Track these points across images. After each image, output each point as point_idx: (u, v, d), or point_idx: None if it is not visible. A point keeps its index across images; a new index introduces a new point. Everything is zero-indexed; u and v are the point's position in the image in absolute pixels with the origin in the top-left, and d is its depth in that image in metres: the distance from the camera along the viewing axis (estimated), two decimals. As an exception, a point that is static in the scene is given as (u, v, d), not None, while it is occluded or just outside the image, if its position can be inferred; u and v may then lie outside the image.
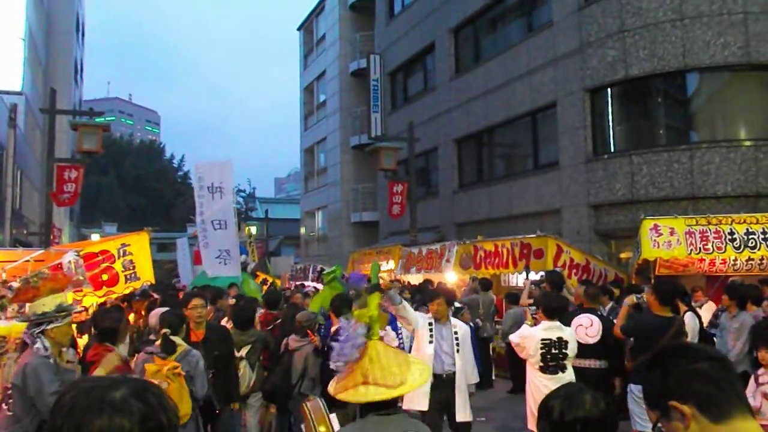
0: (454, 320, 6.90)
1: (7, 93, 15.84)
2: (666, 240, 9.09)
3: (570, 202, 15.02)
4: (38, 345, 4.20)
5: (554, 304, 6.32)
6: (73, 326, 7.86)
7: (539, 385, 6.02)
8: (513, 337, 6.33)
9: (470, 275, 12.13)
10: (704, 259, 9.60)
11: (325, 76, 31.64)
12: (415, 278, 13.86)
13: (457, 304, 9.76)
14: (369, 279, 10.19)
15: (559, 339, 6.00)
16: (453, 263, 12.66)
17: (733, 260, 9.52)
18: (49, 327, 4.27)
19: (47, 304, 4.35)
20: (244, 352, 6.80)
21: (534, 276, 10.86)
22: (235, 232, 12.43)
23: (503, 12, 18.96)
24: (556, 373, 5.98)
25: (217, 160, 12.77)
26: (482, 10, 19.24)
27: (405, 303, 6.38)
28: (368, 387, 2.67)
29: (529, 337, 6.05)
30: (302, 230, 34.94)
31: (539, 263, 10.61)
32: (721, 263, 9.66)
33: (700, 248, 9.07)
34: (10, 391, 5.51)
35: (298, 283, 17.04)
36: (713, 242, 9.01)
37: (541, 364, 5.99)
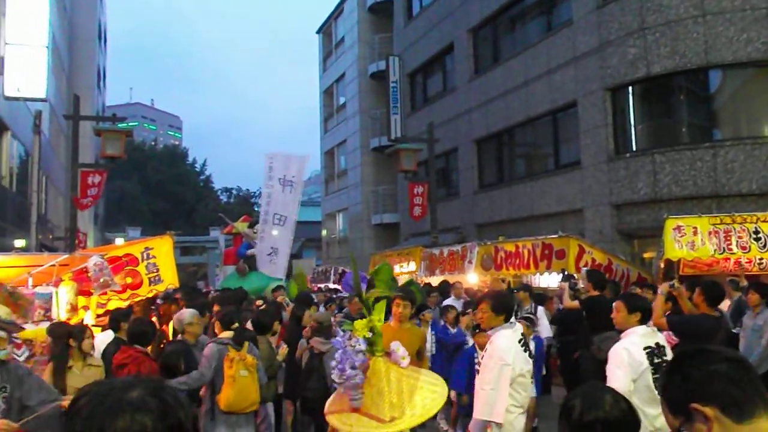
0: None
1: (32, 100, 16.06)
2: (689, 240, 8.99)
3: (592, 202, 14.91)
4: None
5: (646, 305, 4.94)
6: (97, 330, 7.98)
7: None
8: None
9: (495, 277, 12.05)
10: (729, 259, 9.48)
11: (344, 78, 31.74)
12: (437, 280, 13.83)
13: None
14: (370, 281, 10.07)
15: (658, 344, 4.60)
16: (474, 264, 12.62)
17: (759, 260, 9.39)
18: None
19: None
20: None
21: (558, 277, 10.77)
22: (291, 232, 12.19)
23: (522, 11, 18.88)
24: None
25: (294, 153, 12.68)
26: (501, 10, 19.18)
27: None
28: (356, 416, 2.28)
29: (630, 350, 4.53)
30: (323, 232, 35.05)
31: (561, 264, 10.52)
32: (746, 263, 9.54)
33: (724, 248, 8.96)
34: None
35: (320, 285, 17.08)
36: (737, 241, 8.90)
37: (651, 379, 4.40)
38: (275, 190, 11.94)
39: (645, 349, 4.51)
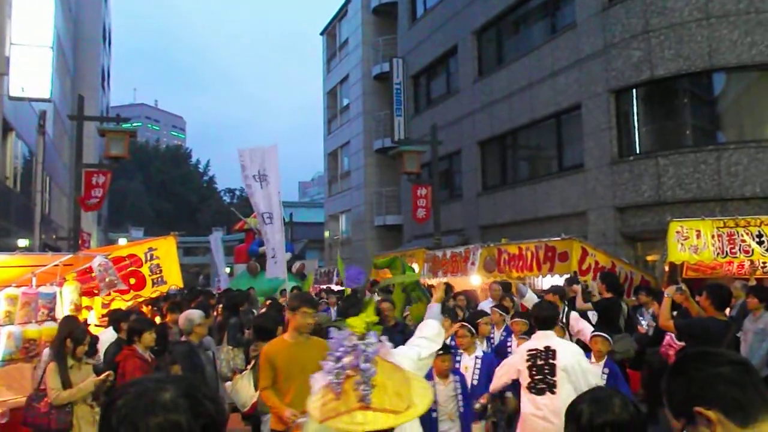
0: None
1: (37, 100, 16.09)
2: (692, 244, 8.99)
3: (595, 205, 14.90)
4: None
5: (545, 313, 5.45)
6: (99, 329, 8.01)
7: (524, 410, 5.14)
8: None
9: (495, 280, 12.04)
10: (732, 262, 9.47)
11: (348, 80, 31.76)
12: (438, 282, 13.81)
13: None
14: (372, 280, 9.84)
15: (547, 348, 5.04)
16: (477, 266, 12.61)
17: (762, 263, 9.38)
18: None
19: None
20: (250, 365, 6.49)
21: (559, 279, 10.75)
22: (281, 228, 11.53)
23: (526, 14, 18.88)
24: (542, 393, 4.97)
25: (261, 145, 11.87)
26: (505, 12, 19.17)
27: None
28: (369, 413, 2.17)
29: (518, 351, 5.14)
30: (326, 234, 35.04)
31: (564, 266, 10.52)
32: (749, 266, 9.53)
33: (726, 251, 8.95)
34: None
35: (323, 286, 17.08)
36: (740, 245, 8.88)
37: (528, 380, 5.04)
38: (255, 189, 11.34)
39: (529, 351, 5.01)
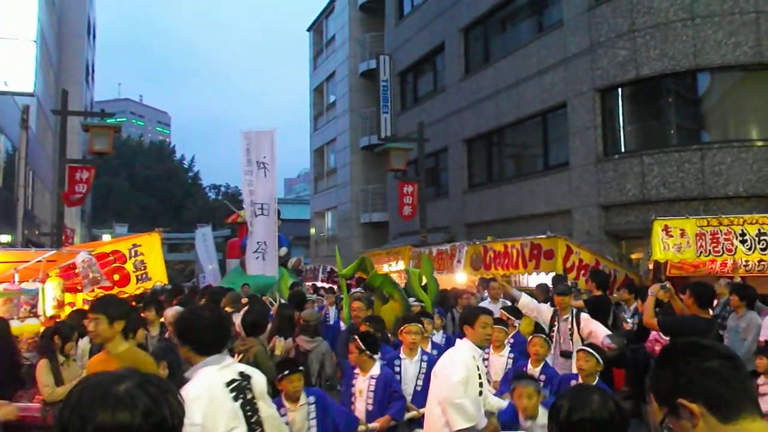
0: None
1: (20, 94, 15.93)
2: (676, 243, 9.06)
3: (580, 203, 14.96)
4: None
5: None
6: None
7: None
8: None
9: (482, 277, 12.07)
10: (715, 261, 9.55)
11: (334, 77, 31.69)
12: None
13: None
14: None
15: (242, 374, 3.34)
16: (463, 264, 12.65)
17: (744, 262, 9.47)
18: None
19: None
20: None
21: (546, 277, 10.78)
22: (274, 221, 10.85)
23: (513, 12, 18.92)
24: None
25: (263, 128, 11.00)
26: (492, 10, 19.21)
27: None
28: None
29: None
30: (312, 231, 34.97)
31: (549, 264, 10.56)
32: (732, 264, 9.61)
33: (709, 250, 9.03)
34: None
35: (309, 283, 17.02)
36: (723, 244, 8.96)
37: None
38: (255, 176, 10.64)
39: None
